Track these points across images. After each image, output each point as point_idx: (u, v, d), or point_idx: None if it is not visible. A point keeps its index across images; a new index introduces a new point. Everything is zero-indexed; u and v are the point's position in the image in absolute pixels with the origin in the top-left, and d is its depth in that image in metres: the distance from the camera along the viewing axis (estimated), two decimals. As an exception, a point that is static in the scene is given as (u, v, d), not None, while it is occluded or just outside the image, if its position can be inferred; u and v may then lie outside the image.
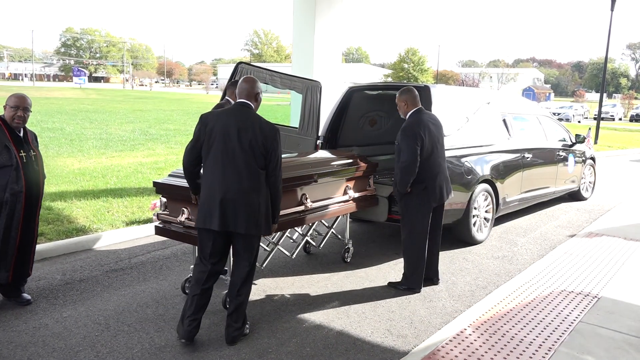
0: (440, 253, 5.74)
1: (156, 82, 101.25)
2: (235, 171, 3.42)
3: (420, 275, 4.64)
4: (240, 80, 3.66)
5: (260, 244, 4.99)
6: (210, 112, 3.65)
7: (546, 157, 7.47)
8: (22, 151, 3.96)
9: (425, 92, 5.79)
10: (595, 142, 19.15)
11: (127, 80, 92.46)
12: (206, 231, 3.49)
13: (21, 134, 4.03)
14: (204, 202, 3.46)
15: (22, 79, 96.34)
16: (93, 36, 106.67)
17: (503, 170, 6.43)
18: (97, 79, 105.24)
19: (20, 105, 3.96)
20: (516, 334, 3.71)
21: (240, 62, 5.87)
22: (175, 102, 41.04)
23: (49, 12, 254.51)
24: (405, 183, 4.43)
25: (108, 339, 3.61)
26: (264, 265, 4.76)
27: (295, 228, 4.88)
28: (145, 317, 3.97)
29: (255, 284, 4.70)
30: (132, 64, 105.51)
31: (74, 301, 4.24)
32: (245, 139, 3.42)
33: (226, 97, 5.01)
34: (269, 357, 3.43)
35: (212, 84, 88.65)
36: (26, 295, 4.19)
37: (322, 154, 5.35)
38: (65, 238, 5.61)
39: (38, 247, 5.27)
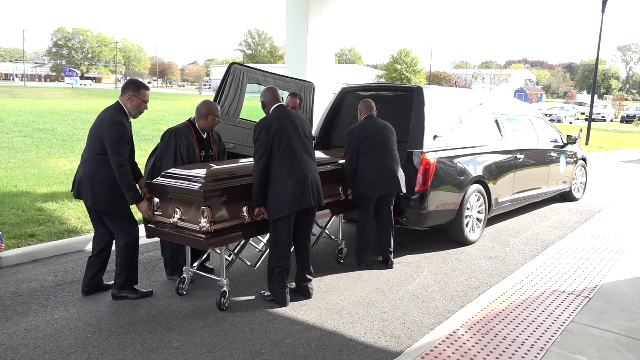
0: (433, 253, 5.79)
1: (148, 82, 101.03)
2: (308, 155, 4.25)
3: (362, 253, 5.23)
4: (264, 91, 4.38)
5: (253, 244, 5.01)
6: (266, 117, 4.22)
7: (538, 158, 7.52)
8: (202, 151, 4.58)
9: (417, 93, 5.81)
10: (587, 143, 19.29)
11: (119, 81, 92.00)
12: (289, 216, 4.12)
13: (205, 136, 4.61)
14: (292, 189, 4.04)
15: (13, 79, 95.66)
16: (85, 36, 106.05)
17: (495, 171, 6.46)
18: (88, 79, 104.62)
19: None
20: (508, 334, 3.73)
21: (233, 63, 5.87)
22: (168, 102, 40.91)
23: (40, 12, 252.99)
24: (344, 175, 5.11)
25: (100, 341, 3.59)
26: (257, 265, 4.76)
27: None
28: (138, 319, 3.96)
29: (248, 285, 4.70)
30: (124, 64, 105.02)
31: (65, 303, 4.21)
32: (302, 129, 4.25)
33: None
34: (263, 358, 3.43)
35: (205, 85, 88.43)
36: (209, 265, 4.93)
37: (316, 154, 5.34)
38: (57, 239, 5.57)
39: (29, 248, 5.26)
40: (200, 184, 3.83)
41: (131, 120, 4.27)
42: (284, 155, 4.08)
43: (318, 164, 4.66)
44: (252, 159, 4.31)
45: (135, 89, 4.18)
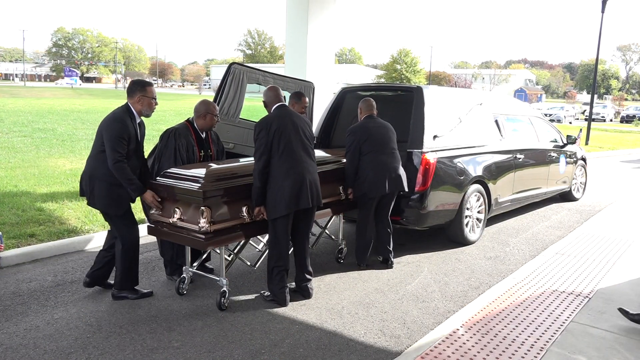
0: (433, 253, 5.79)
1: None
2: (307, 155, 4.22)
3: (362, 253, 5.23)
4: (266, 90, 4.40)
5: (253, 244, 5.01)
6: (267, 117, 4.22)
7: (538, 158, 7.52)
8: (202, 150, 4.57)
9: (417, 93, 5.82)
10: (586, 143, 19.29)
11: (119, 81, 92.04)
12: (287, 216, 4.11)
13: (203, 136, 4.61)
14: (289, 189, 4.03)
15: (13, 79, 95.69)
16: (85, 36, 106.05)
17: (495, 171, 6.46)
18: (88, 79, 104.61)
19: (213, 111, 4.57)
20: (508, 334, 3.73)
21: (233, 63, 5.87)
22: (168, 102, 40.90)
23: (40, 12, 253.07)
24: (345, 174, 5.09)
25: (100, 341, 3.60)
26: (257, 265, 4.76)
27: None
28: (138, 319, 3.96)
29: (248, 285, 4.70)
30: (124, 64, 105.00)
31: (65, 303, 4.21)
32: (302, 129, 4.23)
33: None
34: (263, 358, 3.43)
35: (205, 85, 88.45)
36: (209, 265, 4.94)
37: (317, 153, 5.33)
38: (57, 239, 5.57)
39: (29, 248, 5.26)
40: (199, 184, 3.83)
41: (142, 120, 4.27)
42: (283, 156, 4.08)
43: (319, 163, 4.67)
44: (251, 159, 4.31)
45: (142, 89, 4.18)
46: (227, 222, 4.02)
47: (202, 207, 3.81)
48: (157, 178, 4.19)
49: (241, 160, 4.79)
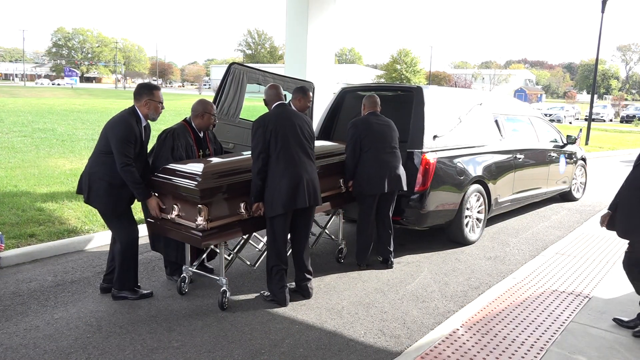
0: (433, 253, 5.79)
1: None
2: (305, 155, 4.20)
3: (362, 253, 5.20)
4: (267, 88, 4.39)
5: (253, 243, 5.01)
6: (265, 115, 4.21)
7: (538, 158, 7.52)
8: (200, 150, 4.56)
9: (417, 93, 5.81)
10: (586, 143, 19.28)
11: (119, 81, 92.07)
12: (285, 215, 4.10)
13: (201, 135, 4.60)
14: (286, 188, 4.03)
15: (13, 79, 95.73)
16: (85, 36, 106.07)
17: (495, 171, 6.46)
18: (88, 79, 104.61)
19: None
20: (508, 334, 3.73)
21: (233, 63, 5.87)
22: (168, 102, 40.88)
23: (40, 12, 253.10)
24: (345, 167, 5.08)
25: (100, 341, 3.59)
26: (256, 265, 4.76)
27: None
28: (138, 319, 3.96)
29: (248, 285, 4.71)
30: (124, 64, 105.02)
31: (65, 303, 4.21)
32: (301, 128, 4.21)
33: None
34: (263, 358, 3.43)
35: (205, 85, 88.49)
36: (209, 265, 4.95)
37: (321, 144, 5.32)
38: (57, 239, 5.57)
39: (29, 248, 5.26)
40: (196, 182, 3.80)
41: (149, 123, 4.27)
42: (280, 155, 4.08)
43: (323, 156, 4.66)
44: (248, 154, 4.31)
45: (149, 92, 4.17)
46: (225, 218, 4.01)
47: (200, 205, 3.80)
48: (156, 174, 4.17)
49: (239, 156, 4.75)
